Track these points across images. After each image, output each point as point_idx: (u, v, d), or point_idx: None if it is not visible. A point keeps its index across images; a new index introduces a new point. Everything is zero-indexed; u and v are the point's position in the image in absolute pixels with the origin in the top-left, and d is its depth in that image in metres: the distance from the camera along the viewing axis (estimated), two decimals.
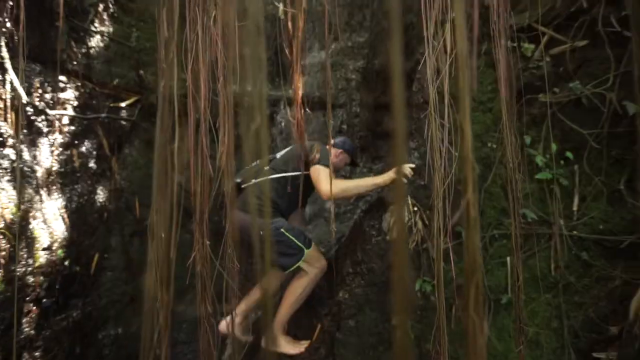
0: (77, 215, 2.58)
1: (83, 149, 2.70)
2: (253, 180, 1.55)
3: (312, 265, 1.84)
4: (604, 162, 1.61)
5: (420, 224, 1.67)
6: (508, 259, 1.63)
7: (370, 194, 2.13)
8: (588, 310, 1.51)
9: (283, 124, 3.22)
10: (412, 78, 2.43)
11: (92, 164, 2.72)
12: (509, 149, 1.27)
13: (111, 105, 2.85)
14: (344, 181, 2.11)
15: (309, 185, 1.83)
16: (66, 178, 2.57)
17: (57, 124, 2.57)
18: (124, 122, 2.90)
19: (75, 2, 2.74)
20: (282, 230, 1.79)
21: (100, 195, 2.73)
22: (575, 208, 1.62)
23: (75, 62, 2.70)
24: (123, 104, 2.93)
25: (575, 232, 1.58)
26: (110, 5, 2.98)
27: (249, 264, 1.97)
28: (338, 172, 2.41)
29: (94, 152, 2.74)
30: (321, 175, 1.75)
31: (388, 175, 1.79)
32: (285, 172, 1.90)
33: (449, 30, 2.05)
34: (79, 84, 2.72)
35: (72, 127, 2.67)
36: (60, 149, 2.58)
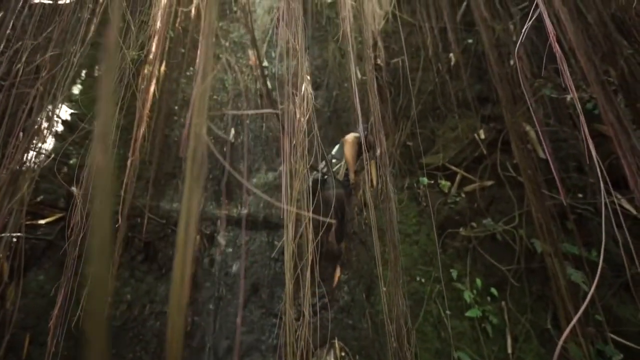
0: None
1: None
2: None
3: None
4: (527, 298, 1.61)
5: None
6: None
7: None
8: None
9: (224, 244, 3.06)
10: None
11: None
12: None
13: (27, 222, 2.59)
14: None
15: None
16: None
17: None
18: (37, 241, 2.61)
19: (9, 120, 2.72)
20: None
21: None
22: (509, 351, 1.52)
23: None
24: (43, 221, 2.69)
25: None
26: (56, 124, 3.01)
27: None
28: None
29: None
30: None
31: None
32: None
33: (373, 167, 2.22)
34: None
35: None
36: None
